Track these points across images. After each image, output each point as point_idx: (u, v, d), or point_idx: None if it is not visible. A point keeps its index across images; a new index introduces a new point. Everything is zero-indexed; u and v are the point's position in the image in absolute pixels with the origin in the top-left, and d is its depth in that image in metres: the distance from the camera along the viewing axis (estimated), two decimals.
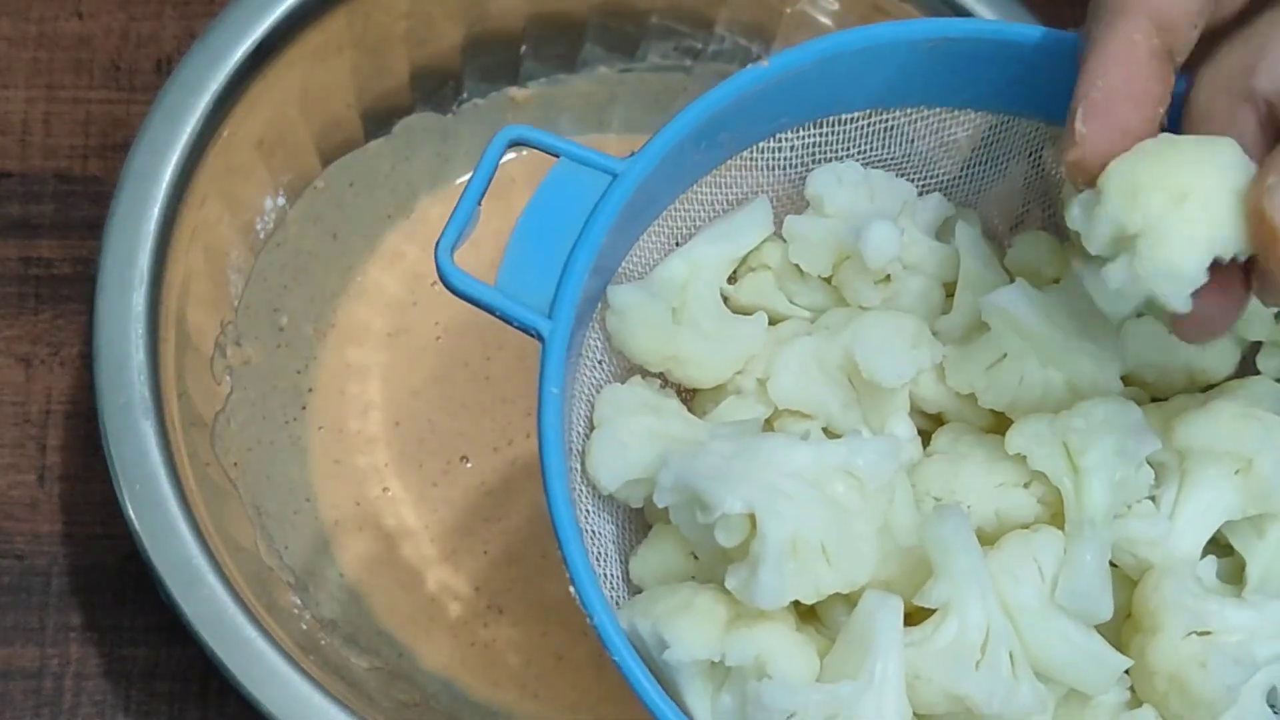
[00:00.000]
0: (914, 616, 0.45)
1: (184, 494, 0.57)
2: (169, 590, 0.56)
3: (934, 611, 0.45)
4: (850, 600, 0.45)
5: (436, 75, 0.69)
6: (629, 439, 0.47)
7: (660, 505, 0.45)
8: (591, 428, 0.48)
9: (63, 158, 0.71)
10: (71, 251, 0.70)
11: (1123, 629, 0.48)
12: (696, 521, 0.44)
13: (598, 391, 0.49)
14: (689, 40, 0.69)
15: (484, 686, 0.65)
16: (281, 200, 0.67)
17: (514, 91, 0.70)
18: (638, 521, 0.50)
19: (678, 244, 0.51)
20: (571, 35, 0.69)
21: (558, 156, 0.47)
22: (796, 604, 0.45)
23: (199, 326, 0.63)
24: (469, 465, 0.68)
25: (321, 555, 0.66)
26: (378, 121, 0.69)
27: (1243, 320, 0.46)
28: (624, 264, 0.50)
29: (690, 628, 0.44)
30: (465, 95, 0.70)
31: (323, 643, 0.61)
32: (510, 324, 0.46)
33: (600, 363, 0.50)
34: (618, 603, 0.49)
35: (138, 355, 0.58)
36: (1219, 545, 0.49)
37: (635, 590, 0.49)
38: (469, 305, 0.69)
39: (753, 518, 0.43)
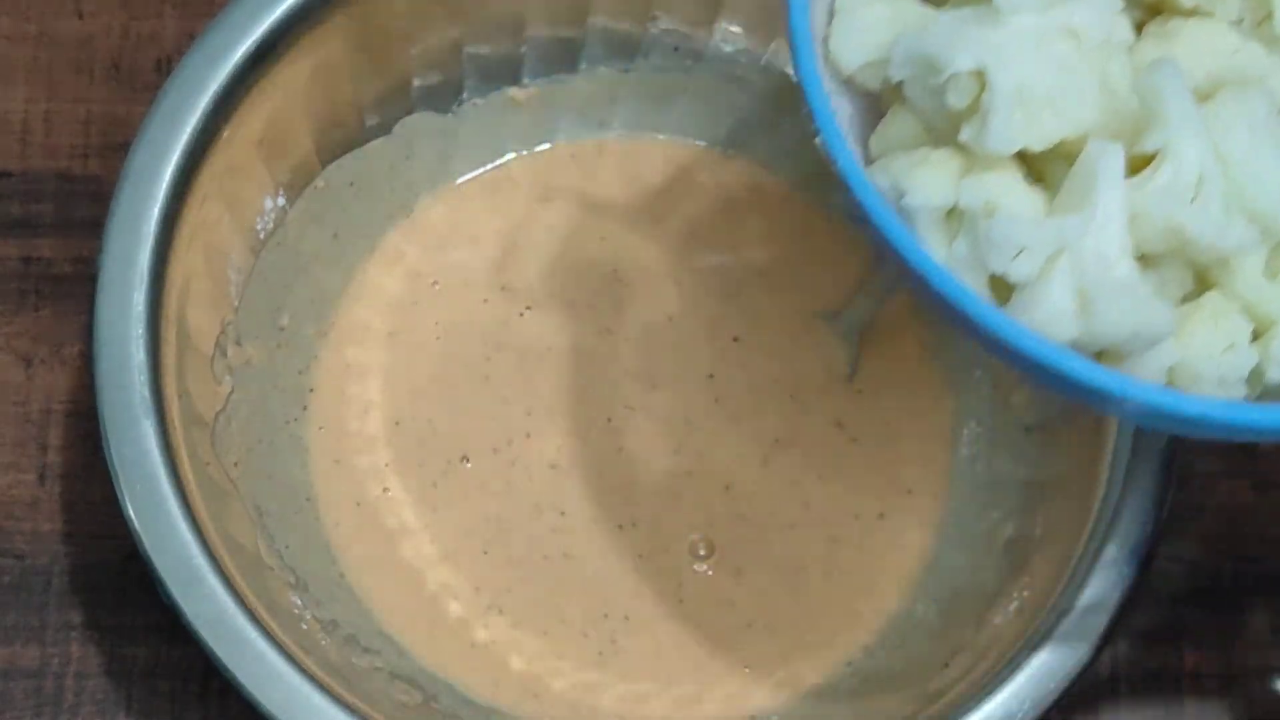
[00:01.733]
0: (1135, 170, 0.48)
1: (184, 494, 0.57)
2: (169, 590, 0.56)
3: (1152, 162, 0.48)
4: (1073, 159, 0.48)
5: (436, 75, 0.69)
6: (868, 22, 0.51)
7: (895, 78, 0.49)
8: (832, 16, 0.51)
9: (63, 158, 0.71)
10: (71, 251, 0.70)
11: None
12: (929, 88, 0.48)
13: None
14: (689, 40, 0.69)
15: (484, 686, 0.65)
16: (281, 200, 0.67)
17: (514, 91, 0.70)
18: (874, 114, 0.53)
19: None
20: (572, 35, 0.69)
21: None
22: (1025, 166, 0.48)
23: (199, 326, 0.63)
24: (469, 465, 0.68)
25: (321, 555, 0.66)
26: (378, 121, 0.69)
27: None
28: None
29: (927, 176, 0.48)
30: (465, 95, 0.70)
31: (323, 643, 0.61)
32: None
33: None
34: None
35: (138, 355, 0.58)
36: None
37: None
38: (469, 305, 0.70)
39: (981, 76, 0.47)
